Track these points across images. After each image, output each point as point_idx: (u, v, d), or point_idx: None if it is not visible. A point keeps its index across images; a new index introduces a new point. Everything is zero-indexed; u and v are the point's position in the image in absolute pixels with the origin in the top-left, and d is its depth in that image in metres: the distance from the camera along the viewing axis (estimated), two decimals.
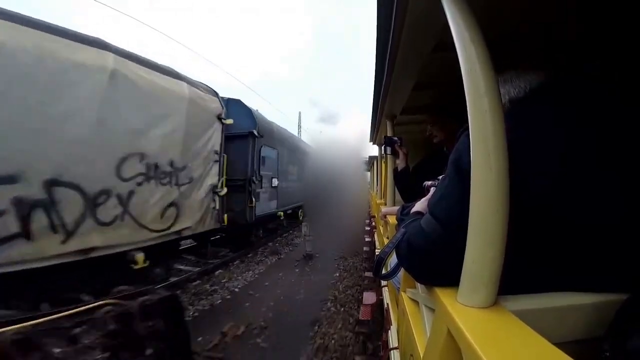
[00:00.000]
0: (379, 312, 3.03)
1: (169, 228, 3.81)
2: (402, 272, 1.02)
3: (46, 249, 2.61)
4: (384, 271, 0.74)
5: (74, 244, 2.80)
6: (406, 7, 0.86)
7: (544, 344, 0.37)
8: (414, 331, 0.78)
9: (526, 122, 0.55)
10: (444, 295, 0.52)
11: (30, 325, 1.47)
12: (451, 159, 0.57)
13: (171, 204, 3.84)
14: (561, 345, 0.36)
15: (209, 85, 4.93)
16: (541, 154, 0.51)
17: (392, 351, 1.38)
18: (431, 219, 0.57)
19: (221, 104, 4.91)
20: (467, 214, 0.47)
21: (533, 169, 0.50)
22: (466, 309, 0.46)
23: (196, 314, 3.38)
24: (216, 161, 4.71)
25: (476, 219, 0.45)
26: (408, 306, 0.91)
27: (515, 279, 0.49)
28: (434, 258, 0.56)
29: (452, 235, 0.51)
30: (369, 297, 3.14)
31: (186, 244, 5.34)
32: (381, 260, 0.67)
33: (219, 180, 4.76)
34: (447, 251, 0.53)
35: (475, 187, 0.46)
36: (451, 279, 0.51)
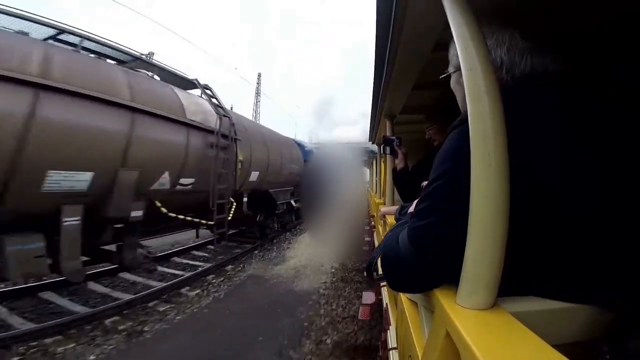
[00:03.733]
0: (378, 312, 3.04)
1: None
2: None
3: None
4: (377, 274, 0.73)
5: None
6: (406, 6, 0.85)
7: (543, 346, 0.36)
8: (412, 332, 0.77)
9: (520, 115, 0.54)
10: (443, 296, 0.51)
11: None
12: (439, 170, 0.53)
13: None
14: (561, 347, 0.36)
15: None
16: (542, 150, 0.50)
17: (390, 351, 1.38)
18: (408, 245, 0.54)
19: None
20: (451, 238, 0.47)
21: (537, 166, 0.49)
22: (465, 310, 0.45)
23: None
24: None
25: (477, 220, 0.44)
26: (406, 307, 0.90)
27: (516, 281, 0.48)
28: (406, 278, 0.57)
29: (428, 264, 0.52)
30: (368, 297, 3.15)
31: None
32: (370, 264, 0.67)
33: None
34: (421, 274, 0.54)
35: (475, 187, 0.45)
36: (425, 290, 0.55)
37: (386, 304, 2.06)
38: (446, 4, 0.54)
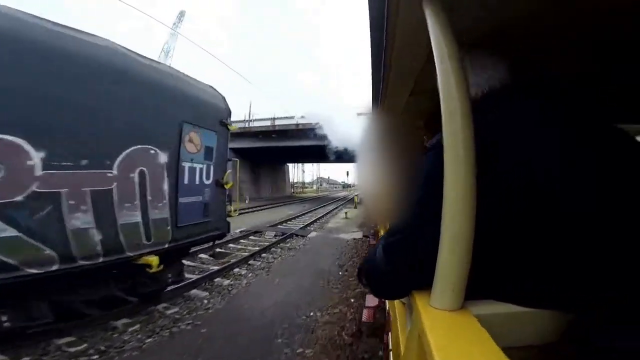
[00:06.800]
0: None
1: None
2: None
3: None
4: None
5: None
6: (395, 24, 0.88)
7: (493, 347, 0.39)
8: (399, 333, 0.80)
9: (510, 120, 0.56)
10: (420, 298, 0.55)
11: None
12: (413, 190, 0.58)
13: None
14: (523, 348, 0.39)
15: None
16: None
17: (390, 352, 1.40)
18: (383, 257, 0.59)
19: None
20: (419, 252, 0.52)
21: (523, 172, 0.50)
22: (435, 311, 0.49)
23: None
24: None
25: (447, 225, 0.48)
26: (397, 309, 0.93)
27: (486, 285, 0.51)
28: (382, 286, 0.64)
29: (400, 274, 0.58)
30: (371, 299, 3.15)
31: None
32: (360, 271, 0.71)
33: None
34: (394, 283, 0.60)
35: (446, 194, 0.48)
36: (399, 296, 0.62)
37: (388, 307, 2.07)
38: (429, 21, 0.58)
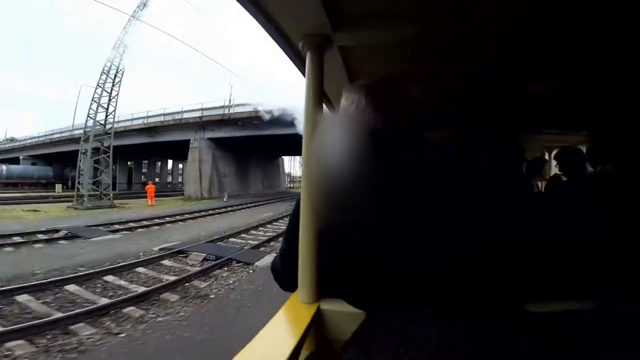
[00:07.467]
0: None
1: None
2: None
3: None
4: None
5: None
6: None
7: (298, 332, 0.59)
8: None
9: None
10: (296, 293, 0.75)
11: None
12: (291, 214, 0.81)
13: None
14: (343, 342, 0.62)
15: None
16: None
17: None
18: (279, 260, 0.82)
19: None
20: (293, 259, 0.74)
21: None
22: (298, 303, 0.72)
23: None
24: None
25: (301, 242, 0.72)
26: None
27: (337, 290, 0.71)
28: (279, 281, 0.84)
29: (284, 274, 0.81)
30: None
31: None
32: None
33: None
34: (284, 280, 0.82)
35: (301, 226, 0.72)
36: (290, 290, 0.80)
37: None
38: (307, 64, 0.78)
